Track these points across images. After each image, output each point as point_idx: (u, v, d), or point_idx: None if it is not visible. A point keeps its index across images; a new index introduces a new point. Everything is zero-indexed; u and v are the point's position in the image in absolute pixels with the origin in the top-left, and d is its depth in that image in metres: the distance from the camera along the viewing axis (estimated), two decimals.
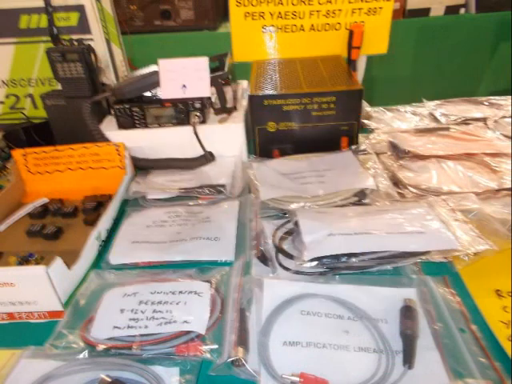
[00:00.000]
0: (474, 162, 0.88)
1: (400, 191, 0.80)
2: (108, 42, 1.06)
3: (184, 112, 0.90)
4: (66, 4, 0.99)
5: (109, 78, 1.08)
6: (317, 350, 0.51)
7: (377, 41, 1.07)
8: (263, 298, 0.58)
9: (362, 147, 0.92)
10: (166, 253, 0.70)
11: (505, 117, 1.05)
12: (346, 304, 0.57)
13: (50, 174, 0.91)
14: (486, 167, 0.86)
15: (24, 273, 0.60)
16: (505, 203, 0.74)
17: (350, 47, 1.04)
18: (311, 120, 0.88)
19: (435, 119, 1.09)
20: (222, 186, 0.84)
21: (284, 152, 0.92)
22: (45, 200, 0.87)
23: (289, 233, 0.72)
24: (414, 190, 0.79)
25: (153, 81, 0.90)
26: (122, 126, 0.92)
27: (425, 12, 1.88)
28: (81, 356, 0.53)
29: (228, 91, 0.98)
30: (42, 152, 0.89)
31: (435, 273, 0.62)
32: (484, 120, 1.04)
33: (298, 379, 0.47)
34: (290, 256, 0.66)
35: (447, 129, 1.01)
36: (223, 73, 0.91)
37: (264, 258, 0.67)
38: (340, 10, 1.03)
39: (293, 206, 0.74)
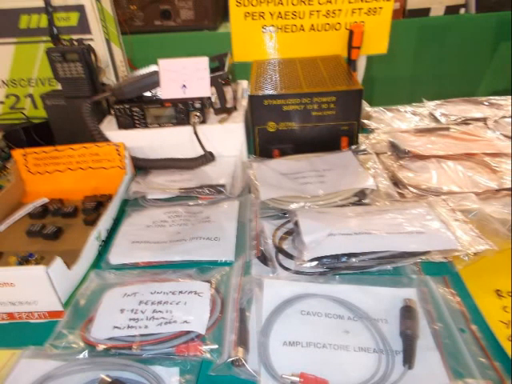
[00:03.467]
0: (474, 162, 0.88)
1: (400, 191, 0.80)
2: (108, 42, 1.06)
3: (184, 112, 0.90)
4: (66, 4, 0.99)
5: (109, 78, 1.08)
6: (317, 350, 0.51)
7: (377, 41, 1.07)
8: (263, 298, 0.58)
9: (362, 147, 0.92)
10: (166, 253, 0.70)
11: (505, 117, 1.05)
12: (346, 304, 0.57)
13: (50, 173, 0.91)
14: (486, 167, 0.86)
15: (24, 273, 0.60)
16: (505, 203, 0.74)
17: (350, 47, 1.04)
18: (311, 120, 0.88)
19: (435, 119, 1.09)
20: (222, 185, 0.84)
21: (284, 152, 0.92)
22: (45, 200, 0.87)
23: (289, 233, 0.72)
24: (414, 190, 0.79)
25: (153, 81, 0.90)
26: (122, 126, 0.92)
27: (425, 12, 1.88)
28: (81, 356, 0.53)
29: (228, 91, 0.98)
30: (42, 152, 0.89)
31: (435, 273, 0.62)
32: (484, 120, 1.04)
33: (297, 379, 0.47)
34: (290, 256, 0.66)
35: (447, 129, 1.01)
36: (223, 73, 0.91)
37: (264, 258, 0.67)
38: (340, 10, 1.03)
39: (293, 206, 0.74)
